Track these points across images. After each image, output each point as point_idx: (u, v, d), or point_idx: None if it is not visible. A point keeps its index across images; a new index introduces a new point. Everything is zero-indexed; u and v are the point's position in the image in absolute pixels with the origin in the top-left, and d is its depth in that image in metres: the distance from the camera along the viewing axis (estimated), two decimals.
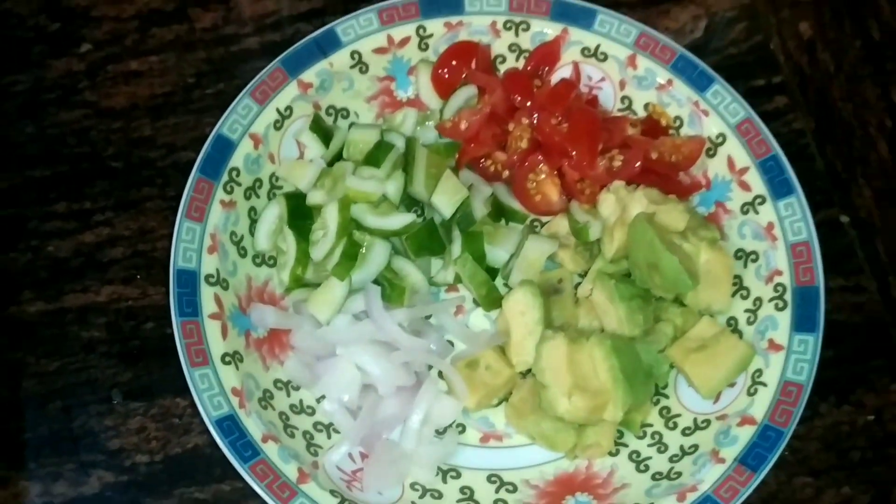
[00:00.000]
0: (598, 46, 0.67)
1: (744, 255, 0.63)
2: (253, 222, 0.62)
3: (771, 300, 0.60)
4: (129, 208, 0.68)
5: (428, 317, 0.63)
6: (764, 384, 0.57)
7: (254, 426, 0.55)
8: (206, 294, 0.57)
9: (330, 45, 0.65)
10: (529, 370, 0.59)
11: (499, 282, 0.64)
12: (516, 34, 0.67)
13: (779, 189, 0.62)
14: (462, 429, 0.60)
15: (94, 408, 0.62)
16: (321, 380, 0.58)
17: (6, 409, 0.61)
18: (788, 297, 0.59)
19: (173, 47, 0.74)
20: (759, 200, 0.62)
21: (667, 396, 0.61)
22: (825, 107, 0.75)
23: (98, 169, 0.69)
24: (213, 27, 0.75)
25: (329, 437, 0.58)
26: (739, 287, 0.62)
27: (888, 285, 0.68)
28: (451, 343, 0.62)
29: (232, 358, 0.57)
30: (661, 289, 0.58)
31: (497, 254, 0.62)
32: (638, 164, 0.62)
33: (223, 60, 0.74)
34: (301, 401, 0.59)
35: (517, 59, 0.69)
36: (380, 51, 0.66)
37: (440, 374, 0.61)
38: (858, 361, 0.66)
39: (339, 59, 0.65)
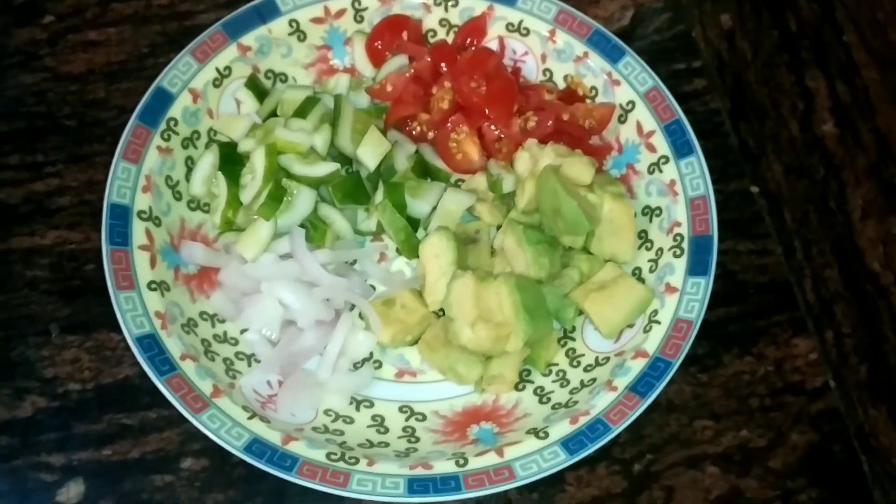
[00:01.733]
0: (521, 22, 0.72)
1: (649, 211, 0.67)
2: (189, 170, 0.66)
3: (670, 248, 0.64)
4: (78, 161, 0.72)
5: (352, 263, 0.67)
6: (658, 322, 0.61)
7: (174, 345, 0.58)
8: (138, 228, 0.61)
9: (269, 13, 0.70)
10: (443, 311, 0.63)
11: (421, 235, 0.68)
12: (446, 10, 0.73)
13: (681, 150, 0.66)
14: (378, 364, 0.64)
15: (32, 339, 0.65)
16: (244, 312, 0.62)
17: None
18: (685, 245, 0.63)
19: (131, 21, 0.79)
20: (663, 160, 0.67)
21: (573, 339, 0.64)
22: (741, 89, 0.80)
23: (52, 126, 0.74)
24: (170, 4, 0.80)
25: (249, 365, 0.62)
26: (645, 240, 0.66)
27: (793, 249, 0.73)
28: (374, 287, 0.66)
29: (158, 286, 0.60)
30: (563, 232, 0.62)
31: (419, 206, 0.66)
32: (550, 123, 0.66)
33: (176, 33, 0.78)
34: (225, 332, 0.63)
35: (447, 33, 0.74)
36: (317, 21, 0.71)
37: (360, 315, 0.64)
38: (762, 317, 0.69)
39: (278, 27, 0.70)
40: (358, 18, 0.72)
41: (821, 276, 0.72)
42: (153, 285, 0.60)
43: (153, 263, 0.61)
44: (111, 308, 0.61)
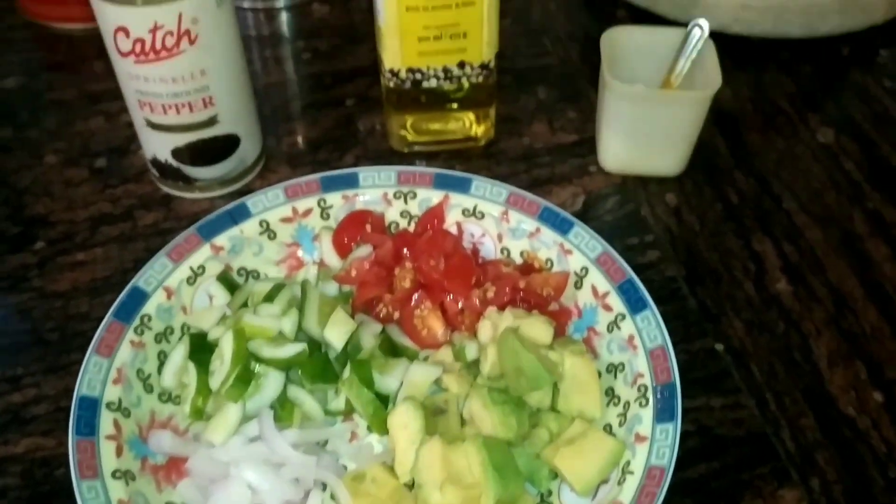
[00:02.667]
0: (475, 206, 0.77)
1: (613, 368, 0.68)
2: (161, 364, 0.68)
3: (636, 400, 0.64)
4: (57, 371, 0.74)
5: (324, 444, 0.66)
6: (632, 472, 0.60)
7: None
8: (106, 418, 0.62)
9: (241, 215, 0.75)
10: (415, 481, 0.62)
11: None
12: (405, 202, 0.78)
13: (635, 306, 0.69)
14: None
15: None
16: (211, 498, 0.61)
17: None
18: (650, 394, 0.64)
19: (117, 241, 0.85)
20: (620, 318, 0.69)
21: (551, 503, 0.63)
22: (693, 257, 0.84)
23: (35, 340, 0.77)
24: (154, 223, 0.87)
25: None
26: (612, 396, 0.67)
27: (766, 401, 0.73)
28: (345, 467, 0.65)
29: (123, 475, 0.60)
30: (527, 389, 0.63)
31: (387, 382, 0.67)
32: (508, 290, 0.70)
33: (159, 248, 0.83)
34: None
35: (408, 223, 0.79)
36: (286, 220, 0.77)
37: (331, 496, 0.63)
38: (744, 470, 0.68)
39: (250, 227, 0.75)
40: (324, 216, 0.78)
41: (797, 424, 0.71)
42: (118, 474, 0.60)
43: (119, 452, 0.61)
44: None
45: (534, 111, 1.00)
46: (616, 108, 0.86)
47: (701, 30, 0.89)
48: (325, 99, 1.02)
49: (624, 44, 0.89)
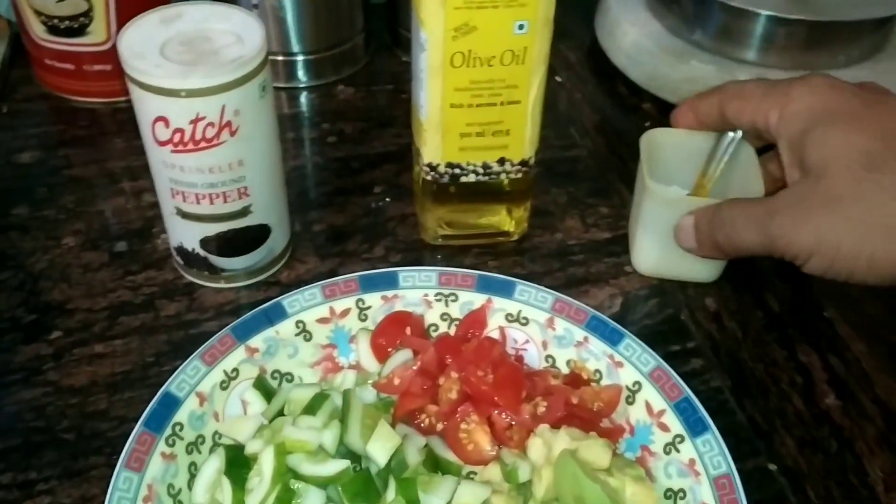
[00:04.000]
0: (519, 312, 0.75)
1: (672, 495, 0.65)
2: (192, 476, 0.64)
3: None
4: (73, 476, 0.69)
5: None
6: None
7: None
8: None
9: (277, 315, 0.72)
10: None
11: None
12: (446, 304, 0.76)
13: (694, 427, 0.66)
14: None
15: None
16: None
17: None
18: None
19: (138, 332, 0.81)
20: (678, 439, 0.66)
21: None
22: (738, 367, 0.81)
23: (49, 441, 0.72)
24: (177, 314, 0.83)
25: None
26: None
27: None
28: None
29: None
30: None
31: (433, 502, 0.63)
32: (560, 407, 0.66)
33: (182, 341, 0.80)
34: None
35: (448, 326, 0.76)
36: (323, 321, 0.73)
37: None
38: None
39: (285, 328, 0.72)
40: (362, 317, 0.74)
41: None
42: None
43: None
44: None
45: (565, 205, 0.98)
46: (654, 211, 0.84)
47: (734, 134, 0.88)
48: (352, 185, 0.99)
49: (662, 145, 0.88)
